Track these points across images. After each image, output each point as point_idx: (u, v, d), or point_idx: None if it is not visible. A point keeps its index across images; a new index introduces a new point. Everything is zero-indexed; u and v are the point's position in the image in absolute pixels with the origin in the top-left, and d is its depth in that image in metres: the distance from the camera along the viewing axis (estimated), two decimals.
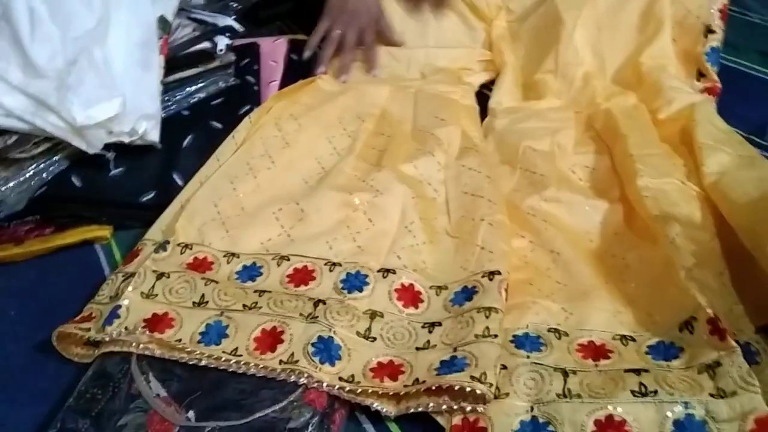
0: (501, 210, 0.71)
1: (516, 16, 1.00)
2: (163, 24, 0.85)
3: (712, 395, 0.51)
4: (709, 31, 0.91)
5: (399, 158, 0.78)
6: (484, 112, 0.91)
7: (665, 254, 0.62)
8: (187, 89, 0.90)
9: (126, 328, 0.59)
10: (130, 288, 0.62)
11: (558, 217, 0.71)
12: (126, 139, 0.79)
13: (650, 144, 0.76)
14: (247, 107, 0.89)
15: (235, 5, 1.18)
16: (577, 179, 0.77)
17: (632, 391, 0.52)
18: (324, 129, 0.84)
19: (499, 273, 0.62)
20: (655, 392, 0.51)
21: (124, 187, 0.80)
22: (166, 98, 0.87)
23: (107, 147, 0.79)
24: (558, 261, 0.67)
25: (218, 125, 0.87)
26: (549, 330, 0.59)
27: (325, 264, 0.66)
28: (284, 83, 0.97)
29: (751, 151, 0.74)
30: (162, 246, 0.68)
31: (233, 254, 0.68)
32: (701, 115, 0.78)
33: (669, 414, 0.50)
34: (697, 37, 0.91)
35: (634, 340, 0.58)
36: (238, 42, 1.02)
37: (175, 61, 0.88)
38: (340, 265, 0.65)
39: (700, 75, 0.90)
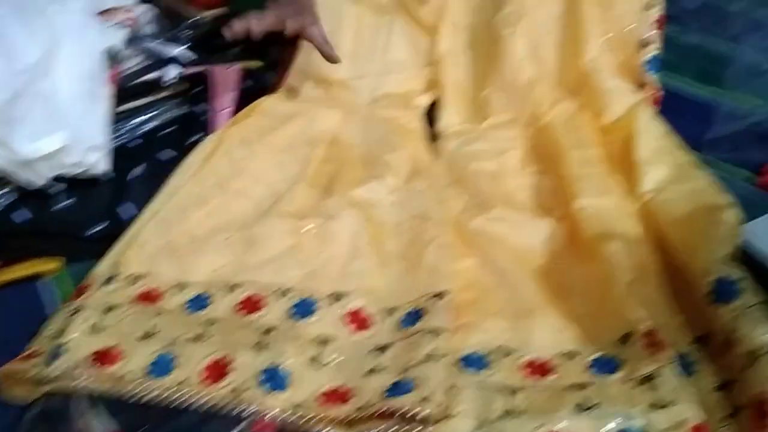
0: (449, 231, 0.72)
1: (460, 33, 1.01)
2: (112, 55, 0.85)
3: (651, 406, 0.53)
4: (646, 42, 0.95)
5: (349, 183, 0.79)
6: (434, 133, 0.93)
7: (606, 270, 0.65)
8: (138, 119, 0.90)
9: (72, 365, 0.58)
10: (76, 323, 0.62)
11: (503, 236, 0.73)
12: (74, 171, 0.79)
13: (590, 162, 0.79)
14: (199, 135, 0.89)
15: (187, 33, 1.19)
16: (522, 198, 0.79)
17: (575, 406, 0.53)
18: (275, 155, 0.85)
19: (446, 293, 0.63)
20: (597, 406, 0.53)
21: (73, 220, 0.79)
22: (116, 129, 0.87)
23: (55, 179, 0.79)
24: (504, 280, 0.68)
25: (170, 154, 0.87)
26: (495, 349, 0.61)
27: (276, 290, 0.66)
28: (237, 110, 0.97)
29: (687, 158, 0.77)
30: (110, 279, 0.68)
31: (183, 283, 0.68)
32: (640, 123, 0.81)
33: (610, 427, 0.51)
34: (635, 48, 0.94)
35: (577, 355, 0.60)
36: (191, 70, 1.03)
37: (125, 91, 0.88)
38: (291, 291, 0.66)
39: (642, 85, 0.94)
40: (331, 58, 0.93)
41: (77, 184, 0.81)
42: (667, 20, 1.16)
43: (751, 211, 0.71)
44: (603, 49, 0.91)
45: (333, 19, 1.01)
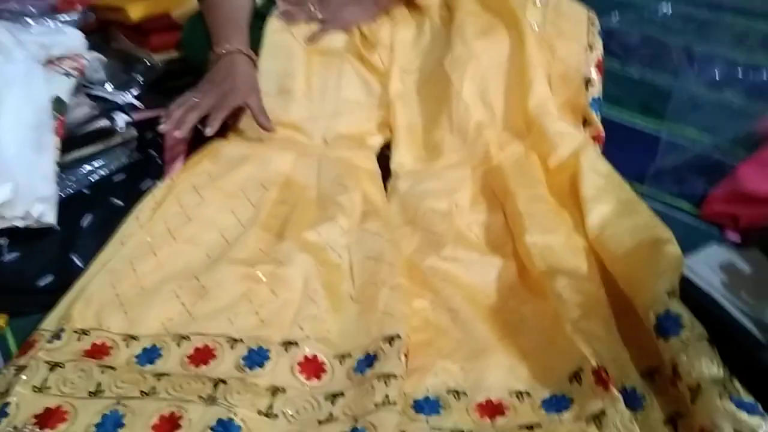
0: (401, 273, 0.73)
1: (410, 76, 1.04)
2: (58, 104, 0.84)
3: None
4: (588, 83, 0.98)
5: (302, 226, 0.79)
6: (388, 172, 0.94)
7: (555, 307, 0.66)
8: (87, 167, 0.89)
9: (15, 427, 0.56)
10: (21, 382, 0.60)
11: (455, 275, 0.74)
12: (20, 224, 0.77)
13: (538, 200, 0.80)
14: (150, 182, 0.89)
15: (140, 78, 1.19)
16: (473, 237, 0.80)
17: None
18: (227, 200, 0.84)
19: (399, 337, 0.63)
20: None
21: (20, 272, 0.78)
22: (64, 178, 0.86)
23: (1, 232, 0.77)
24: (457, 319, 0.69)
25: (119, 202, 0.86)
26: (448, 391, 0.61)
27: (227, 341, 0.65)
28: (189, 154, 0.97)
29: (630, 194, 0.79)
30: (56, 334, 0.66)
31: (132, 337, 0.67)
32: (585, 163, 0.83)
33: None
34: (579, 88, 0.98)
35: (529, 395, 0.60)
36: (142, 115, 1.02)
37: (73, 139, 0.88)
38: (242, 341, 0.65)
39: (585, 123, 0.97)
40: (265, 128, 0.93)
41: (24, 236, 0.79)
42: (610, 54, 1.21)
43: (695, 242, 0.73)
44: (548, 92, 0.94)
45: (285, 60, 1.02)
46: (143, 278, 0.73)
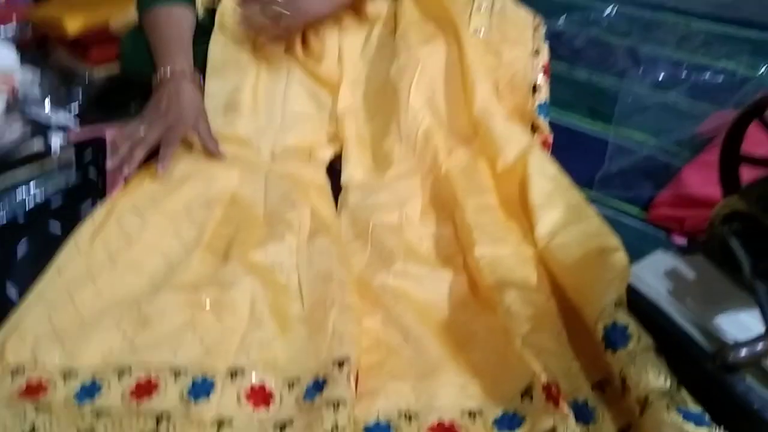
0: (351, 291, 0.71)
1: (359, 87, 1.03)
2: None
3: None
4: (535, 88, 0.98)
5: (249, 245, 0.77)
6: (339, 186, 0.93)
7: (505, 321, 0.65)
8: (22, 191, 0.85)
9: None
10: None
11: (406, 291, 0.73)
12: None
13: (486, 209, 0.80)
14: (90, 205, 0.85)
15: (79, 94, 1.15)
16: (424, 250, 0.79)
17: None
18: (170, 221, 0.82)
19: (348, 360, 0.62)
20: None
21: None
22: None
23: None
24: (408, 337, 0.68)
25: (57, 228, 0.82)
26: (399, 414, 0.59)
27: (170, 372, 0.63)
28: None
29: (579, 198, 0.79)
30: None
31: (71, 371, 0.64)
32: (533, 166, 0.82)
33: None
34: (526, 94, 0.98)
35: (481, 413, 0.59)
36: (81, 135, 0.99)
37: (5, 163, 0.84)
38: (186, 370, 0.63)
39: (533, 128, 0.97)
40: (213, 155, 0.91)
41: None
42: (557, 58, 1.22)
43: (643, 247, 0.73)
44: (492, 96, 0.94)
45: (232, 76, 1.00)
46: (82, 308, 0.70)
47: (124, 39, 1.09)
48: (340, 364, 0.61)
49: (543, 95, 0.97)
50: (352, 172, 0.93)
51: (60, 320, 0.69)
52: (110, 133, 1.01)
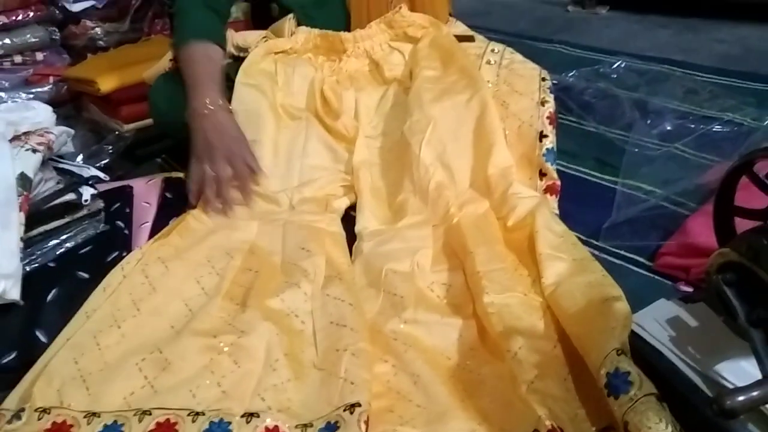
0: (363, 337, 0.74)
1: (374, 141, 1.07)
2: (24, 181, 0.86)
3: None
4: (542, 135, 1.02)
5: (266, 293, 0.81)
6: (353, 234, 0.96)
7: (512, 367, 0.67)
8: (53, 241, 0.90)
9: None
10: None
11: (417, 338, 0.75)
12: None
13: (496, 258, 0.82)
14: (116, 253, 0.90)
15: (110, 148, 1.21)
16: (434, 297, 0.82)
17: None
18: (192, 270, 0.86)
19: (359, 405, 0.64)
20: None
21: None
22: (29, 252, 0.87)
23: None
24: (418, 383, 0.69)
25: (85, 275, 0.87)
26: None
27: (188, 414, 0.65)
28: (157, 223, 0.99)
29: (584, 253, 0.81)
30: (17, 414, 0.66)
31: (94, 414, 0.67)
32: (540, 222, 0.85)
33: None
34: (533, 142, 1.02)
35: None
36: (111, 185, 1.04)
37: (38, 214, 0.88)
38: (203, 414, 0.65)
39: (542, 175, 1.01)
40: (259, 170, 1.01)
41: None
42: (567, 110, 1.26)
43: (650, 295, 0.75)
44: (509, 159, 0.97)
45: (253, 128, 1.05)
46: (106, 352, 0.73)
47: (154, 86, 1.15)
48: (352, 409, 0.63)
49: (550, 142, 1.01)
50: (366, 223, 0.97)
51: (85, 364, 0.72)
52: (138, 184, 1.06)
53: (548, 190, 0.99)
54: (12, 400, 0.69)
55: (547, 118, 1.02)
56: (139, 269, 0.85)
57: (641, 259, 0.89)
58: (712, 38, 1.69)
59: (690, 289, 0.81)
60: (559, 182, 0.99)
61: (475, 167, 0.99)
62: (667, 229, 0.92)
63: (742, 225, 0.64)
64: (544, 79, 1.10)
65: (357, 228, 0.96)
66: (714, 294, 0.58)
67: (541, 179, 1.00)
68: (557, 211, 0.96)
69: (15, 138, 0.93)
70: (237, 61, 1.14)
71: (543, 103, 1.05)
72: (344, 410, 0.64)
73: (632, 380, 0.58)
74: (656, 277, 0.86)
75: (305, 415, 0.66)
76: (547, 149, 1.01)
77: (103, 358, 0.73)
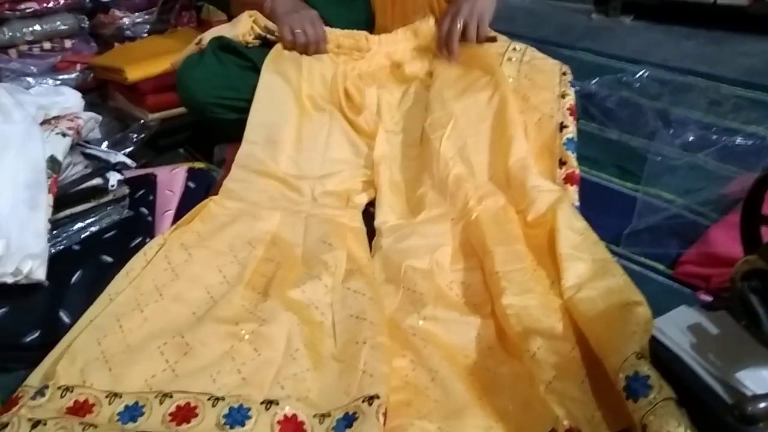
0: (383, 331, 0.74)
1: (395, 137, 1.08)
2: (53, 164, 0.87)
3: None
4: (563, 126, 1.03)
5: (287, 284, 0.81)
6: (374, 230, 0.97)
7: (531, 368, 0.67)
8: (78, 224, 0.91)
9: None
10: None
11: (436, 334, 0.75)
12: (10, 280, 0.79)
13: (515, 258, 0.82)
14: (139, 239, 0.91)
15: (134, 136, 1.22)
16: (453, 295, 0.82)
17: None
18: (215, 258, 0.87)
19: (378, 397, 0.64)
20: None
21: (6, 328, 0.79)
22: (55, 234, 0.88)
23: None
24: (436, 379, 0.70)
25: (109, 259, 0.88)
26: None
27: (208, 399, 0.66)
28: (180, 211, 1.00)
29: (605, 253, 0.81)
30: (40, 391, 0.67)
31: (115, 394, 0.68)
32: (561, 220, 0.85)
33: None
34: (554, 133, 1.03)
35: None
36: (135, 173, 1.05)
37: (66, 197, 0.90)
38: (223, 399, 0.66)
39: (561, 164, 1.01)
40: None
41: (12, 292, 0.81)
42: (589, 118, 1.26)
43: (669, 303, 0.75)
44: (527, 150, 0.98)
45: (275, 111, 1.06)
46: (129, 335, 0.74)
47: (182, 66, 1.16)
48: (371, 401, 0.64)
49: (570, 132, 1.02)
50: (386, 218, 0.97)
51: (108, 345, 0.73)
52: (162, 172, 1.08)
53: (567, 179, 1.00)
54: (35, 378, 0.71)
55: (568, 109, 1.04)
56: (162, 255, 0.86)
57: (661, 267, 0.89)
58: (737, 51, 1.68)
59: (710, 298, 0.81)
60: (578, 171, 1.00)
61: (494, 161, 1.00)
62: (688, 238, 0.92)
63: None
64: (564, 74, 1.11)
65: (376, 223, 0.97)
66: (738, 301, 0.58)
67: (560, 167, 1.01)
68: (578, 203, 0.96)
69: (45, 122, 0.95)
70: (263, 45, 1.16)
71: (563, 95, 1.06)
72: (363, 402, 0.64)
73: (652, 384, 0.58)
74: (676, 285, 0.86)
75: (323, 405, 0.67)
76: (567, 138, 1.02)
77: (126, 340, 0.74)
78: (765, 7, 1.73)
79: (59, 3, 1.46)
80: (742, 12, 1.76)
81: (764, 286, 0.55)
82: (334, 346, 0.75)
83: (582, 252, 0.81)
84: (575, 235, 0.84)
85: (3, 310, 0.80)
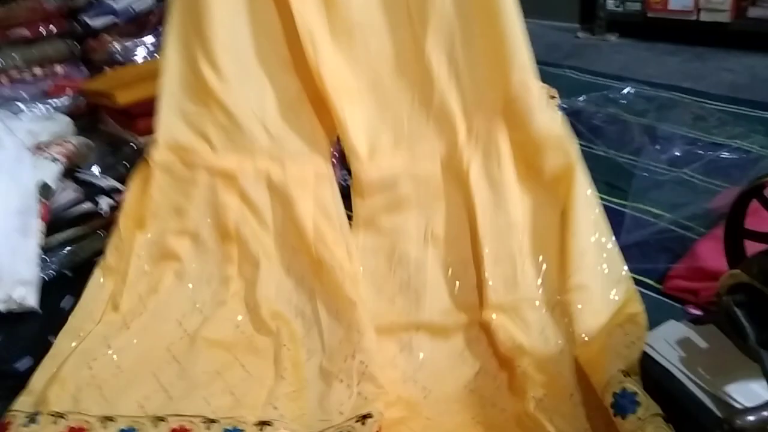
0: (371, 338, 0.73)
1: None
2: (45, 190, 0.88)
3: None
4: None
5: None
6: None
7: (520, 383, 0.67)
8: (70, 249, 0.91)
9: None
10: None
11: (427, 350, 0.75)
12: (1, 308, 0.79)
13: (506, 258, 0.78)
14: None
15: (125, 161, 1.23)
16: (446, 297, 0.80)
17: None
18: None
19: (371, 416, 0.64)
20: None
21: None
22: (47, 260, 0.88)
23: None
24: (429, 397, 0.70)
25: None
26: None
27: (203, 422, 0.66)
28: None
29: (614, 254, 0.78)
30: (32, 418, 0.67)
31: (109, 418, 0.68)
32: (578, 204, 0.79)
33: None
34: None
35: None
36: None
37: (57, 222, 0.90)
38: (218, 422, 0.66)
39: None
40: None
41: (3, 319, 0.81)
42: (577, 134, 1.28)
43: (659, 317, 0.75)
44: (531, 66, 0.84)
45: None
46: (119, 358, 0.74)
47: None
48: (364, 420, 0.64)
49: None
50: (360, 149, 0.86)
51: (98, 369, 0.73)
52: None
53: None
54: (24, 402, 0.70)
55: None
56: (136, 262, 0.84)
57: (650, 282, 0.89)
58: (720, 67, 1.71)
59: (699, 312, 0.81)
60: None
61: (490, 76, 0.85)
62: (676, 253, 0.93)
63: (752, 248, 0.65)
64: (552, 97, 1.11)
65: (353, 164, 0.86)
66: (724, 315, 0.58)
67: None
68: None
69: (36, 148, 0.96)
70: None
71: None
72: (356, 421, 0.64)
73: (639, 401, 0.59)
74: (665, 299, 0.86)
75: (316, 425, 0.67)
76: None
77: (116, 363, 0.74)
78: (746, 24, 1.76)
79: (50, 29, 1.47)
80: (724, 28, 1.79)
81: (749, 299, 0.56)
82: (322, 358, 0.74)
83: (594, 253, 0.77)
84: (590, 228, 0.78)
85: None
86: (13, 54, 1.45)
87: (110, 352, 0.75)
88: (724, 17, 1.78)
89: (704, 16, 1.81)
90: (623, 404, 0.58)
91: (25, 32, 1.46)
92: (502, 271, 0.78)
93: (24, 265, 0.82)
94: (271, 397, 0.69)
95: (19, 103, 1.43)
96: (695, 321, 0.71)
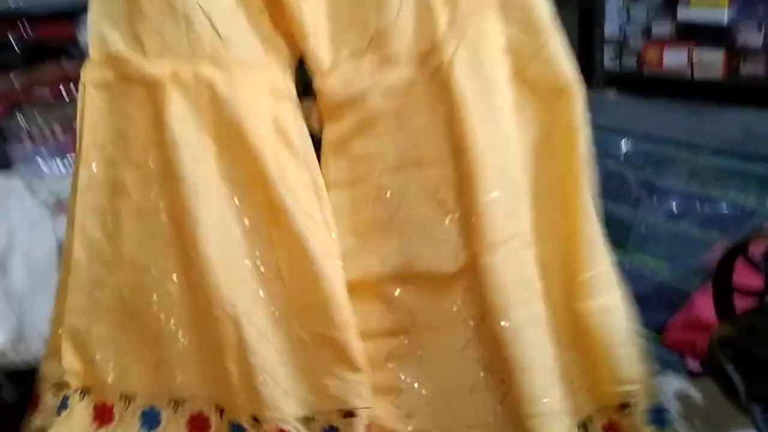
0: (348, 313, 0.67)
1: None
2: None
3: None
4: None
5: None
6: None
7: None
8: None
9: None
10: None
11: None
12: (24, 364, 0.82)
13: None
14: None
15: None
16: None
17: None
18: None
19: (359, 411, 0.65)
20: None
21: (18, 417, 0.80)
22: None
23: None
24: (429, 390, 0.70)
25: None
26: None
27: (214, 408, 0.70)
28: None
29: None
30: (63, 403, 0.71)
31: (127, 397, 0.71)
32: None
33: None
34: None
35: None
36: None
37: None
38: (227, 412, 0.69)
39: None
40: None
41: (25, 375, 0.83)
42: None
43: (657, 370, 0.78)
44: None
45: None
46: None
47: None
48: (351, 415, 0.65)
49: None
50: (323, 55, 0.69)
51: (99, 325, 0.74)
52: None
53: None
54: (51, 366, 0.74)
55: None
56: None
57: (650, 336, 0.91)
58: (716, 121, 1.76)
59: (697, 363, 0.83)
60: None
61: None
62: (674, 305, 0.95)
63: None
64: None
65: (315, 77, 0.69)
66: (714, 369, 0.61)
67: None
68: None
69: (57, 206, 1.00)
70: None
71: None
72: (344, 416, 0.65)
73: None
74: (663, 351, 0.88)
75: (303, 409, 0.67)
76: None
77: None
78: (739, 81, 1.82)
79: (71, 91, 1.54)
80: (718, 85, 1.85)
81: (738, 353, 0.59)
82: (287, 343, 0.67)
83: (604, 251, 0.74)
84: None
85: (16, 394, 0.83)
86: (35, 114, 1.52)
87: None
88: (717, 75, 1.84)
89: (698, 74, 1.87)
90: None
91: (47, 94, 1.53)
92: (503, 199, 0.67)
93: (46, 321, 0.85)
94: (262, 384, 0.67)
95: (41, 162, 1.49)
96: (693, 373, 0.74)
